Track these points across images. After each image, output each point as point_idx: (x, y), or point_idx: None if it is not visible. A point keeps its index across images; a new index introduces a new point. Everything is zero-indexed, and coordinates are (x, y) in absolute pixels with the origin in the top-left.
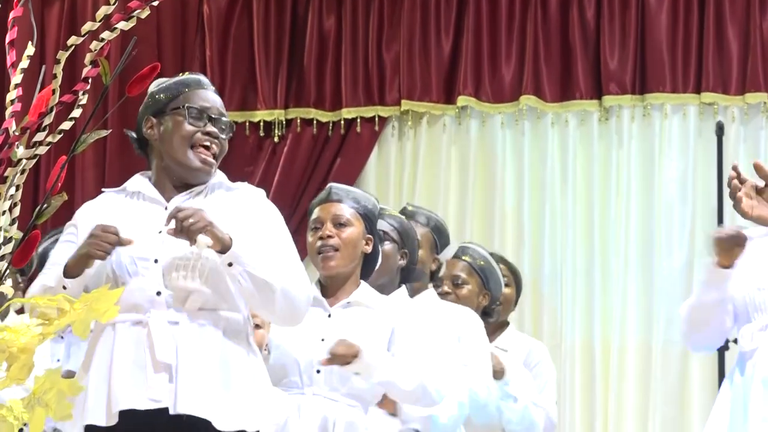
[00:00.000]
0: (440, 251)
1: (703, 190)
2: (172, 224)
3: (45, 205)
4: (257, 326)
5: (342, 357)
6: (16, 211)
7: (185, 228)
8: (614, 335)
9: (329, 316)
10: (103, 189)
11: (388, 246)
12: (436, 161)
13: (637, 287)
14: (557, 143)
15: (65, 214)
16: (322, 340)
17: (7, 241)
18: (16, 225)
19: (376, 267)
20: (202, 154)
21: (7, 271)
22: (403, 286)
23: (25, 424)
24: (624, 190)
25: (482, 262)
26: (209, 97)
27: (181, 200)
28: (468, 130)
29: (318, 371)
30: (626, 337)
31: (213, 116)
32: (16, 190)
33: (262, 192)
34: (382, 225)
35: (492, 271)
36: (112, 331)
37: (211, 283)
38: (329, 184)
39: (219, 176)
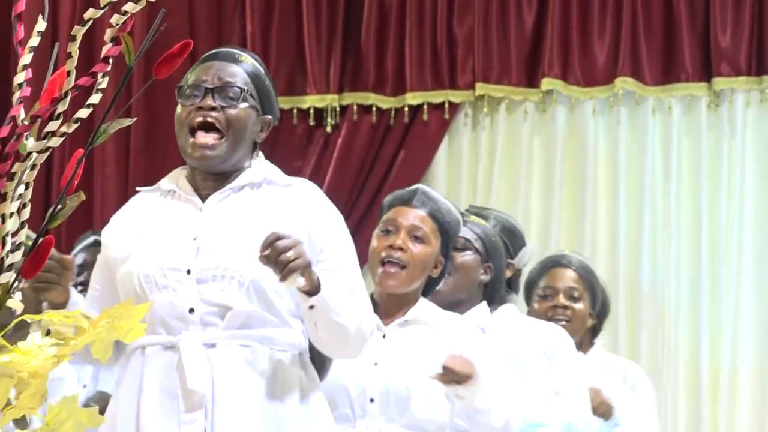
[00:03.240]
0: (513, 255)
1: None
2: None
3: (59, 206)
4: None
5: (456, 374)
6: (26, 213)
7: (281, 262)
8: (725, 358)
9: (383, 336)
10: (137, 189)
11: (469, 256)
12: (517, 154)
13: (752, 302)
14: (659, 133)
15: (83, 216)
16: (375, 364)
17: (15, 248)
18: (26, 229)
19: (438, 288)
20: (199, 138)
21: (16, 283)
22: (484, 303)
23: None
24: (737, 189)
25: (590, 275)
26: (213, 67)
27: (218, 198)
28: (554, 119)
29: (371, 400)
30: (738, 361)
31: (209, 86)
32: (26, 188)
33: (321, 192)
34: (464, 232)
35: (598, 285)
36: (141, 356)
37: (257, 296)
38: (417, 185)
39: (265, 168)
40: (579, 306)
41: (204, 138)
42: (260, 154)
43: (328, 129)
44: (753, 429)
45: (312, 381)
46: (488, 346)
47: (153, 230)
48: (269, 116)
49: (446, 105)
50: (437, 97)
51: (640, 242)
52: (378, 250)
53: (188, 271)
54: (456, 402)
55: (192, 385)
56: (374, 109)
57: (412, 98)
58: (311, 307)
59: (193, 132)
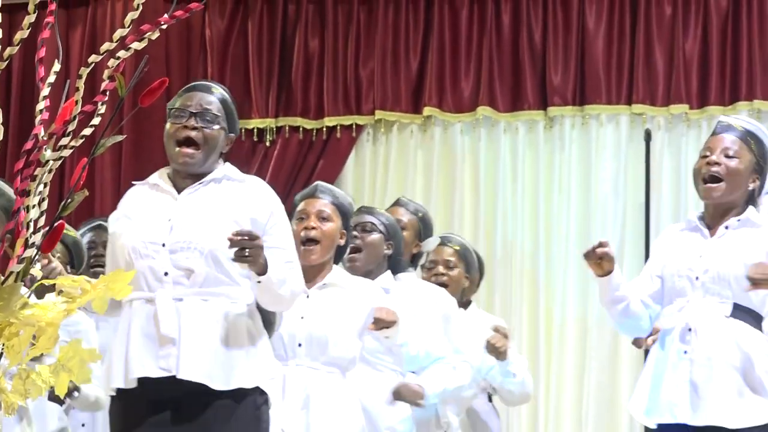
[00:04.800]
0: (423, 239)
1: (632, 188)
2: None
3: (69, 200)
4: None
5: (384, 322)
6: (44, 205)
7: (239, 253)
8: (556, 311)
9: (307, 296)
10: (133, 182)
11: (377, 236)
12: (405, 164)
13: (576, 271)
14: (508, 148)
15: (86, 206)
16: (302, 318)
17: (36, 230)
18: (44, 217)
19: (345, 255)
20: (183, 150)
21: (37, 255)
22: (389, 272)
23: (51, 387)
24: (565, 188)
25: (464, 251)
26: (195, 96)
27: (190, 191)
28: (432, 137)
29: (300, 344)
30: (566, 314)
31: (193, 111)
32: (45, 187)
33: (268, 187)
34: (372, 219)
35: (472, 258)
36: (129, 308)
37: (213, 262)
38: (316, 182)
39: (227, 168)
40: (454, 273)
41: (186, 150)
42: (222, 161)
43: (267, 144)
44: (576, 363)
45: (257, 326)
46: (390, 301)
47: (139, 213)
48: (233, 134)
49: (354, 126)
50: (347, 120)
51: (495, 228)
52: (298, 232)
53: (163, 244)
54: (383, 341)
55: (165, 330)
56: (301, 129)
57: (329, 121)
58: (258, 282)
59: (179, 144)
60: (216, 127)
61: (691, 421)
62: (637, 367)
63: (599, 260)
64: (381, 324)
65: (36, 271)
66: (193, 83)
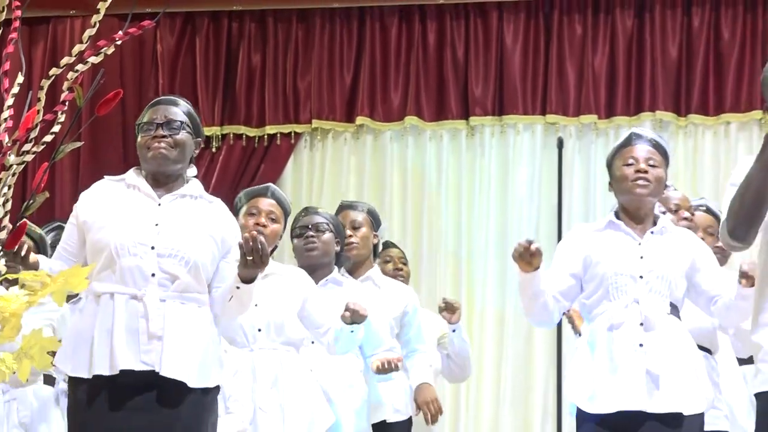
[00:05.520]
0: (377, 230)
1: (546, 191)
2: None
3: (31, 201)
4: None
5: (358, 315)
6: (8, 206)
7: (259, 258)
8: (477, 302)
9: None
10: (105, 177)
11: (329, 235)
12: (339, 168)
13: (495, 266)
14: (433, 154)
15: (47, 207)
16: (256, 305)
17: (1, 228)
18: (8, 217)
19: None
20: (153, 149)
21: (1, 252)
22: (335, 267)
23: (14, 372)
24: (485, 191)
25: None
26: (160, 109)
27: (170, 200)
28: (364, 144)
29: (259, 330)
30: (486, 304)
31: (159, 122)
32: (9, 189)
33: (228, 209)
34: (321, 219)
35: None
36: (110, 300)
37: (194, 272)
38: (268, 184)
39: (199, 186)
40: (407, 268)
41: (161, 146)
42: (193, 166)
43: (213, 150)
44: (495, 349)
45: (216, 325)
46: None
47: (122, 211)
48: (199, 139)
49: (292, 134)
50: (286, 128)
51: (421, 226)
52: (246, 225)
53: (152, 247)
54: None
55: (153, 328)
56: (244, 136)
57: (270, 129)
58: (238, 287)
59: (152, 148)
60: (184, 132)
61: (649, 409)
62: (550, 353)
63: (531, 257)
64: (356, 317)
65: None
66: (157, 98)
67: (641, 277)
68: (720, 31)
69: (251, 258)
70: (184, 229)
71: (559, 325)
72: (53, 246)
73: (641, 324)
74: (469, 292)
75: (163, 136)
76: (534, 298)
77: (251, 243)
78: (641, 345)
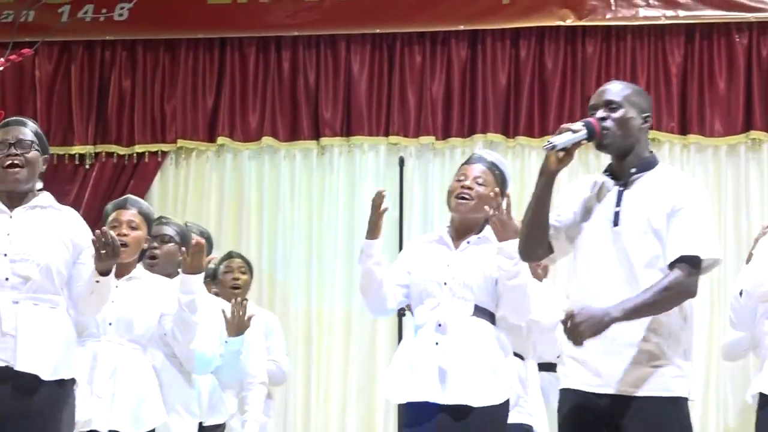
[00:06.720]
0: (209, 254)
1: (389, 206)
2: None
3: None
4: None
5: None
6: None
7: (111, 249)
8: (326, 307)
9: (116, 287)
10: None
11: (173, 246)
12: (201, 184)
13: (343, 272)
14: (288, 171)
15: None
16: (113, 302)
17: None
18: None
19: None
20: (9, 170)
21: None
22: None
23: None
24: (334, 204)
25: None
26: (10, 130)
27: (21, 212)
28: (225, 162)
29: (110, 324)
30: (334, 309)
31: (11, 142)
32: None
33: (79, 216)
34: (168, 230)
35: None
36: None
37: (45, 274)
38: (126, 195)
39: (49, 197)
40: (244, 278)
41: (13, 170)
42: (40, 182)
43: (87, 167)
44: (342, 346)
45: (67, 319)
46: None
47: None
48: (46, 156)
49: (159, 153)
50: (154, 147)
51: (276, 237)
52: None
53: (5, 254)
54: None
55: (6, 328)
56: (115, 154)
57: (139, 148)
58: (97, 281)
59: (5, 168)
60: (33, 151)
61: (440, 400)
62: (391, 350)
63: (380, 213)
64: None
65: None
66: (6, 120)
67: (445, 283)
68: (544, 61)
69: (104, 251)
70: (35, 235)
71: (400, 325)
72: None
73: (440, 324)
74: (319, 296)
75: (15, 155)
76: (370, 273)
77: (102, 238)
78: (437, 344)
